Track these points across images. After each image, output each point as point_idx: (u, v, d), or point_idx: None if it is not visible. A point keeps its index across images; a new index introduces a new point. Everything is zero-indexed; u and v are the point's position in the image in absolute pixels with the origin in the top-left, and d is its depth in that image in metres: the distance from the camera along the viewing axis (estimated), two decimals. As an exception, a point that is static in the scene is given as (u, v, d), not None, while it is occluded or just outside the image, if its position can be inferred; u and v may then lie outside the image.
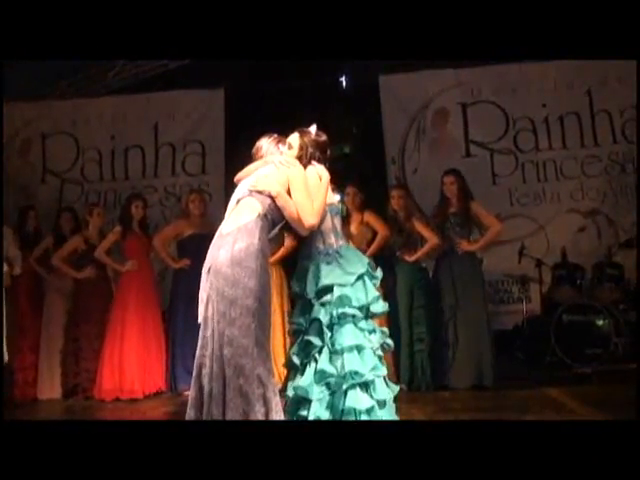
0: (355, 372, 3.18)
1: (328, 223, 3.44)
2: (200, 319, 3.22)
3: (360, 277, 3.34)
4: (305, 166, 3.43)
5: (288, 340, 6.01)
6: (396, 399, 3.42)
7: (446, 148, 7.82)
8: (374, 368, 3.24)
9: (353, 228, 5.96)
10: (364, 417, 3.18)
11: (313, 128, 3.57)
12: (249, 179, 3.44)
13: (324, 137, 3.55)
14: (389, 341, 3.44)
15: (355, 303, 3.27)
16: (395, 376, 5.91)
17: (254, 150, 3.66)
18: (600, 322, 6.29)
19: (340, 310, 3.25)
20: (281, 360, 6.03)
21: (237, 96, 8.12)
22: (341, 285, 3.28)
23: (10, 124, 8.10)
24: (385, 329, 3.50)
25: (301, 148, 3.48)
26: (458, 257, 5.85)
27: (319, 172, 3.44)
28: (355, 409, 3.17)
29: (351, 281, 3.30)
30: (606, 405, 4.57)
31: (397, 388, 3.41)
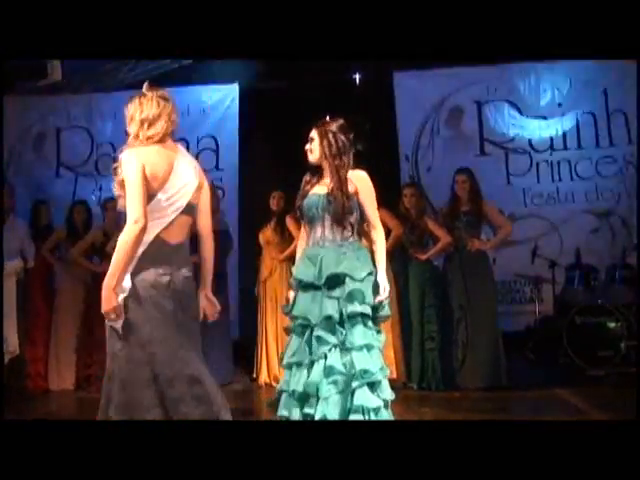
0: (365, 371, 3.16)
1: (353, 217, 3.40)
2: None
3: (369, 275, 3.29)
4: (341, 155, 3.40)
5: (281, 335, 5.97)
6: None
7: (460, 146, 7.79)
8: (382, 368, 3.22)
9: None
10: (372, 416, 3.17)
11: (327, 118, 3.52)
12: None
13: (340, 120, 3.44)
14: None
15: (367, 300, 3.23)
16: (405, 375, 5.91)
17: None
18: (613, 324, 6.25)
19: (350, 307, 3.21)
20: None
21: (251, 92, 8.12)
22: (353, 279, 3.22)
23: (25, 118, 8.16)
24: (382, 330, 3.43)
25: (321, 136, 3.41)
26: (469, 256, 5.82)
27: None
28: (364, 407, 3.15)
29: (362, 276, 3.26)
30: (618, 408, 4.53)
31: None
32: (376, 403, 3.16)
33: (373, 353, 3.21)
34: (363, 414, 3.15)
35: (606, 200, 7.51)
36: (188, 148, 8.11)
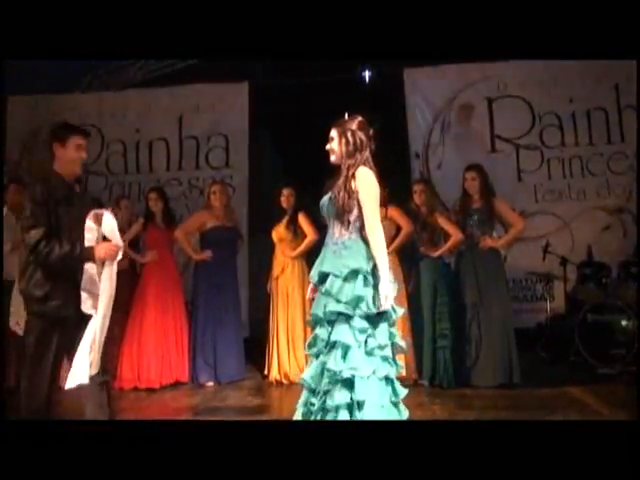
0: (330, 370, 3.15)
1: (354, 215, 3.38)
2: None
3: (355, 272, 3.22)
4: (356, 152, 3.37)
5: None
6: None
7: (471, 143, 7.76)
8: (356, 368, 3.14)
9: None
10: (342, 413, 3.12)
11: (345, 116, 3.51)
12: None
13: (358, 118, 3.44)
14: (401, 343, 3.35)
15: (343, 298, 3.19)
16: (417, 372, 5.90)
17: None
18: (625, 322, 6.21)
19: (330, 306, 3.21)
20: (301, 351, 6.16)
21: (260, 90, 8.12)
22: (335, 276, 3.23)
23: (36, 117, 8.19)
24: (394, 330, 3.34)
25: (340, 134, 3.41)
26: (481, 253, 5.80)
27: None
28: (329, 405, 3.15)
29: (343, 274, 3.23)
30: (629, 406, 4.51)
31: (403, 392, 3.29)
32: (340, 401, 3.12)
33: (350, 352, 3.16)
34: (326, 413, 3.14)
35: (618, 196, 7.46)
36: (198, 146, 8.15)
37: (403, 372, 5.46)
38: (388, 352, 3.26)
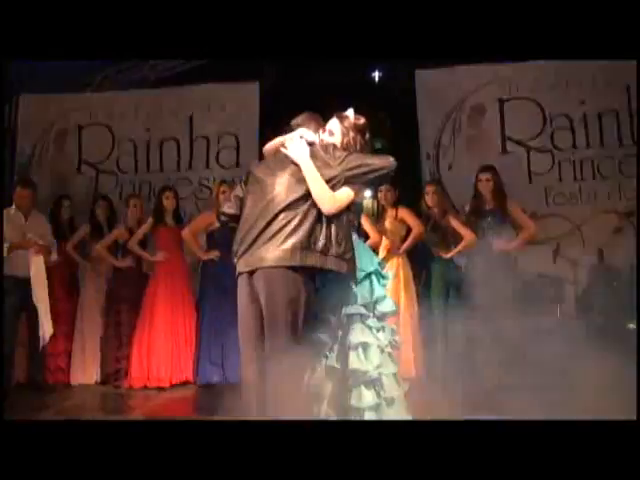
0: (358, 370, 3.16)
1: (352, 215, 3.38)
2: None
3: (367, 276, 3.28)
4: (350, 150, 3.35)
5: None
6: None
7: (482, 144, 7.72)
8: (380, 366, 3.19)
9: (387, 224, 5.93)
10: (370, 414, 3.14)
11: (350, 112, 3.49)
12: None
13: (362, 120, 3.43)
14: (397, 338, 3.41)
15: (360, 301, 3.23)
16: (425, 371, 5.87)
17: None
18: (635, 326, 6.17)
19: (346, 309, 3.23)
20: None
21: (271, 90, 8.12)
22: None
23: (46, 115, 8.22)
24: (394, 326, 3.45)
25: (343, 134, 3.41)
26: (493, 255, 5.77)
27: None
28: (357, 407, 3.15)
29: (358, 278, 3.26)
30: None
31: (404, 388, 3.35)
32: (372, 401, 3.14)
33: (370, 351, 3.19)
34: (360, 414, 3.14)
35: (629, 199, 7.40)
36: (208, 146, 8.15)
37: (412, 372, 5.48)
38: (390, 349, 3.33)
